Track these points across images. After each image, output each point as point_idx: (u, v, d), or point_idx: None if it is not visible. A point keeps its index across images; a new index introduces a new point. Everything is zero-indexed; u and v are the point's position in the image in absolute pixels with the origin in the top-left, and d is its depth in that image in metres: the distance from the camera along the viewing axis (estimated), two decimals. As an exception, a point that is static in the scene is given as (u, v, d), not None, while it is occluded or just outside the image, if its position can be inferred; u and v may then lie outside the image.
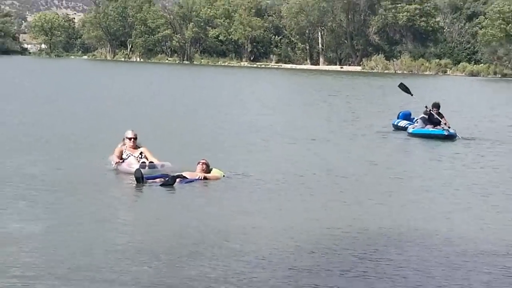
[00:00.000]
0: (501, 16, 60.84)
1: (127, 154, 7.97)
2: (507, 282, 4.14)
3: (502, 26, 60.47)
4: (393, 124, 14.26)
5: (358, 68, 64.71)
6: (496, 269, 4.40)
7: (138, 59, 71.06)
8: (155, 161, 7.78)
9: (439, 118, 13.07)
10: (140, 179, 7.04)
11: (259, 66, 66.30)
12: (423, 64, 63.21)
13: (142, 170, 7.23)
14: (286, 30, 68.38)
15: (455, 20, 67.26)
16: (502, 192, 7.66)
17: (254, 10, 68.83)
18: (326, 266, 4.31)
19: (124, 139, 8.09)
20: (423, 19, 64.51)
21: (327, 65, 66.87)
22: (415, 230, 5.49)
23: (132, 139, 8.06)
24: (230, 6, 68.95)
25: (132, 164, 7.70)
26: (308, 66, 66.50)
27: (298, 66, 65.72)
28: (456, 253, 4.77)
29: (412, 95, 15.24)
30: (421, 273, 4.21)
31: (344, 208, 6.34)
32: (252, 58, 69.78)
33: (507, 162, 10.28)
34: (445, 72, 62.72)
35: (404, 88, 15.19)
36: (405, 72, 60.81)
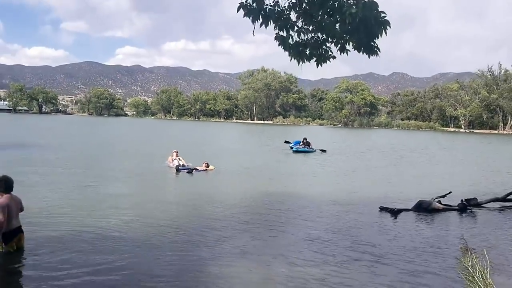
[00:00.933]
0: (332, 99, 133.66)
1: (173, 159, 18.45)
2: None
3: (333, 104, 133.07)
4: (291, 147, 28.96)
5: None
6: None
7: (175, 118, 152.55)
8: (183, 162, 18.15)
9: (306, 144, 28.75)
10: (178, 170, 17.21)
11: (230, 121, 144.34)
12: (299, 120, 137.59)
13: (179, 167, 17.49)
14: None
15: (312, 100, 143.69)
16: (342, 170, 20.35)
17: (226, 96, 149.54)
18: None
19: (172, 153, 18.90)
20: (298, 101, 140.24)
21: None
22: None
23: (176, 153, 18.75)
24: (214, 95, 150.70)
25: (175, 164, 17.92)
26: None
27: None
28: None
29: (290, 142, 30.59)
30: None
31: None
32: (225, 117, 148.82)
33: (336, 161, 24.58)
34: (309, 123, 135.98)
35: (286, 142, 31.24)
36: (290, 124, 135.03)
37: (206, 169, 18.03)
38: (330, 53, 5.32)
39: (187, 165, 18.24)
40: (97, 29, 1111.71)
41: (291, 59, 5.27)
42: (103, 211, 10.14)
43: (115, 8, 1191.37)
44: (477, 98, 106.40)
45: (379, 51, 5.05)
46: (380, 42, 5.04)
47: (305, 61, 5.36)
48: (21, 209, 7.07)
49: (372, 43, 4.99)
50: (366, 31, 4.85)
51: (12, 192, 6.87)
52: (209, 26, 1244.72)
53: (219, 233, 8.56)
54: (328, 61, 5.39)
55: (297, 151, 28.31)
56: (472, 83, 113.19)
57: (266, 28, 4.99)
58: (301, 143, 29.32)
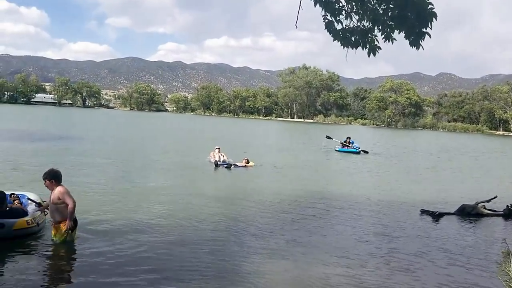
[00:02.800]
0: (376, 98, 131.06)
1: (215, 154, 18.56)
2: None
3: (376, 103, 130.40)
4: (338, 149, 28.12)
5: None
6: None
7: (214, 114, 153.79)
8: (225, 158, 18.25)
9: (349, 144, 27.70)
10: (217, 165, 17.49)
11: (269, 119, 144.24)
12: (341, 119, 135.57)
13: (218, 162, 17.77)
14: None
15: (355, 99, 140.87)
16: (383, 172, 18.98)
17: (266, 93, 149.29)
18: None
19: (214, 149, 19.01)
20: (340, 99, 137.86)
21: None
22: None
23: (218, 149, 18.83)
24: (254, 92, 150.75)
25: (216, 159, 18.14)
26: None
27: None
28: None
29: (332, 138, 29.28)
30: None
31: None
32: (265, 115, 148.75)
33: (377, 162, 23.27)
34: (351, 123, 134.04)
35: (328, 137, 29.25)
36: (331, 123, 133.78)
37: (245, 165, 17.93)
38: (376, 42, 5.14)
39: (228, 160, 18.21)
40: (140, 25, 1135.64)
41: (340, 43, 5.13)
42: (140, 203, 10.26)
43: (158, 4, 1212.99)
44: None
45: (430, 36, 4.82)
46: (427, 40, 4.90)
47: (352, 48, 5.20)
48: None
49: (423, 29, 4.80)
50: (417, 15, 4.73)
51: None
52: (251, 22, 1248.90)
53: (253, 231, 8.49)
54: (377, 52, 5.18)
55: (340, 151, 27.74)
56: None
57: (315, 6, 4.89)
58: (345, 142, 28.52)
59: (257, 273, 6.28)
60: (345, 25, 5.07)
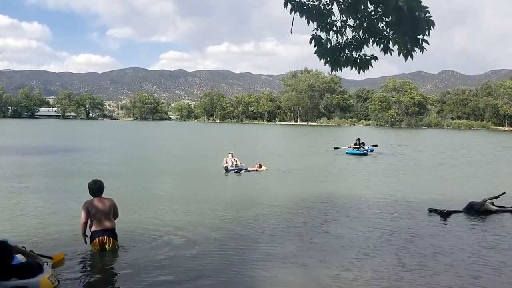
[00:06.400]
0: (378, 99, 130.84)
1: (228, 160, 18.54)
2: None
3: (379, 104, 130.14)
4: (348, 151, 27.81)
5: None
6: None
7: (218, 121, 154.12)
8: (238, 163, 18.27)
9: (360, 145, 27.72)
10: (227, 170, 17.65)
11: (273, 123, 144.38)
12: (344, 121, 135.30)
13: (228, 167, 17.76)
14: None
15: (358, 101, 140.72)
16: (392, 171, 19.03)
17: (269, 98, 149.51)
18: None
19: (228, 154, 19.05)
20: (343, 101, 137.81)
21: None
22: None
23: (231, 154, 18.80)
24: (257, 97, 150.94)
25: (229, 164, 18.00)
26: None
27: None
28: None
29: (340, 148, 29.39)
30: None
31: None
32: (268, 120, 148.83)
33: (384, 162, 23.35)
34: (354, 124, 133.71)
35: (336, 148, 29.54)
36: (334, 125, 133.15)
37: (257, 170, 17.96)
38: (368, 56, 4.99)
39: (241, 165, 18.25)
40: (142, 35, 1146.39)
41: (325, 64, 5.00)
42: (151, 209, 10.44)
43: (160, 13, 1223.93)
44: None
45: (428, 44, 4.69)
46: (429, 38, 4.73)
47: (341, 69, 5.07)
48: (115, 213, 7.28)
49: (418, 37, 4.67)
50: (412, 23, 4.57)
51: (102, 196, 7.24)
52: (253, 28, 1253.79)
53: (264, 234, 8.52)
54: (369, 67, 5.04)
55: (350, 153, 27.67)
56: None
57: (302, 16, 4.78)
58: (356, 145, 28.23)
59: (269, 278, 6.27)
60: (337, 42, 4.93)
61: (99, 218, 7.02)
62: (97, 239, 7.00)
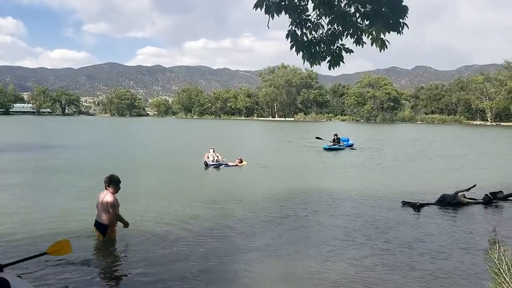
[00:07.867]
0: (354, 94, 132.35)
1: (210, 155, 18.63)
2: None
3: (355, 99, 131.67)
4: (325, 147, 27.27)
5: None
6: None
7: (196, 117, 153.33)
8: (220, 158, 18.32)
9: (337, 141, 27.99)
10: (207, 165, 17.82)
11: (251, 119, 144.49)
12: (321, 116, 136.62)
13: (209, 163, 17.89)
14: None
15: (334, 96, 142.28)
16: (367, 166, 19.33)
17: (246, 93, 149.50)
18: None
19: (209, 149, 19.04)
20: (320, 97, 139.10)
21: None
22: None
23: (213, 149, 18.94)
24: (235, 93, 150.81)
25: (210, 159, 18.23)
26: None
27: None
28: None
29: (322, 139, 28.28)
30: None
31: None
32: (246, 115, 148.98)
33: (360, 156, 24.51)
34: (331, 119, 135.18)
35: (318, 138, 28.60)
36: (311, 120, 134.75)
37: (237, 164, 18.14)
38: (343, 51, 5.07)
39: (222, 160, 18.41)
40: (119, 30, 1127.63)
41: (304, 62, 5.07)
42: (131, 205, 10.08)
43: (137, 9, 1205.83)
44: (504, 90, 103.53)
45: (408, 28, 4.77)
46: (403, 35, 4.84)
47: (319, 63, 5.11)
48: (110, 210, 7.42)
49: (400, 19, 4.73)
50: (392, 7, 4.69)
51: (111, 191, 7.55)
52: (231, 24, 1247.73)
53: (243, 231, 8.60)
54: (341, 62, 5.12)
55: (328, 149, 27.90)
56: (498, 74, 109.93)
57: (279, 15, 4.80)
58: (333, 140, 28.66)
59: (247, 272, 6.37)
60: (312, 37, 4.98)
61: (97, 208, 7.53)
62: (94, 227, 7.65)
